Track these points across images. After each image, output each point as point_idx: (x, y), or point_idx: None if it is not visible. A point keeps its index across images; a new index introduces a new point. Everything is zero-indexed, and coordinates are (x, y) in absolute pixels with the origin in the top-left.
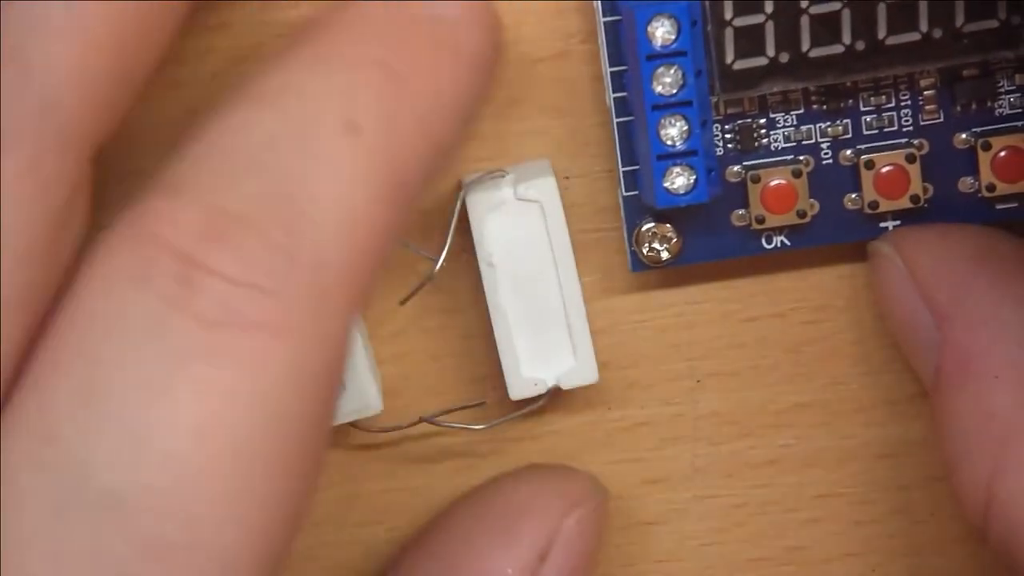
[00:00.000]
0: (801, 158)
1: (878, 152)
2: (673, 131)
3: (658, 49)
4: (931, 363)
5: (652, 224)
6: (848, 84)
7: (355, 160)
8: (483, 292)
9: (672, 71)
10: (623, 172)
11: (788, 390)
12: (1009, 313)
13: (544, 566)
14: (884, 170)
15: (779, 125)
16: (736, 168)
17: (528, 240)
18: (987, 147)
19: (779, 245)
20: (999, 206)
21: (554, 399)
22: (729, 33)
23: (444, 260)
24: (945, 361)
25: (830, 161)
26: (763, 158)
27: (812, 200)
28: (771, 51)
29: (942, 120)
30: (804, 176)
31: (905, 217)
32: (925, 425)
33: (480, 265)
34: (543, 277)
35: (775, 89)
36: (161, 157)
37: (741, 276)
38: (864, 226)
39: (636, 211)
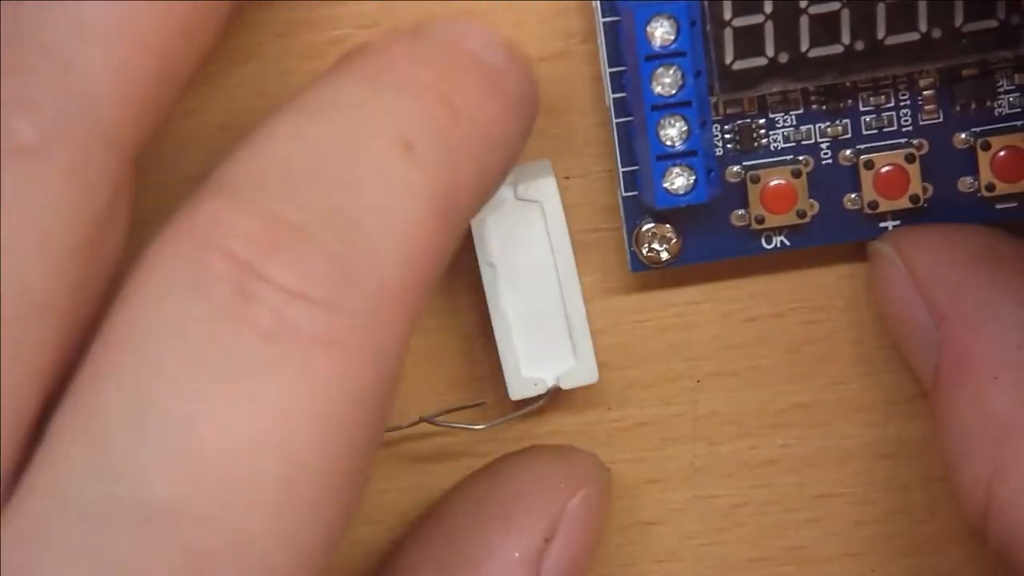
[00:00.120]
0: (801, 158)
1: (878, 152)
2: (672, 131)
3: (657, 49)
4: (930, 363)
5: (652, 224)
6: (847, 84)
7: (408, 175)
8: (483, 292)
9: (671, 71)
10: (623, 172)
11: (788, 390)
12: (1008, 313)
13: (550, 547)
14: (884, 170)
15: (779, 125)
16: (736, 168)
17: (528, 240)
18: (986, 147)
19: (779, 245)
20: (999, 206)
21: (554, 399)
22: (728, 33)
23: None
24: (944, 361)
25: (830, 161)
26: (763, 158)
27: (812, 200)
28: (770, 51)
29: (941, 120)
30: (804, 176)
31: (905, 217)
32: (925, 425)
33: (480, 265)
34: (543, 277)
35: (774, 89)
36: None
37: (741, 276)
38: (864, 226)
39: (636, 211)
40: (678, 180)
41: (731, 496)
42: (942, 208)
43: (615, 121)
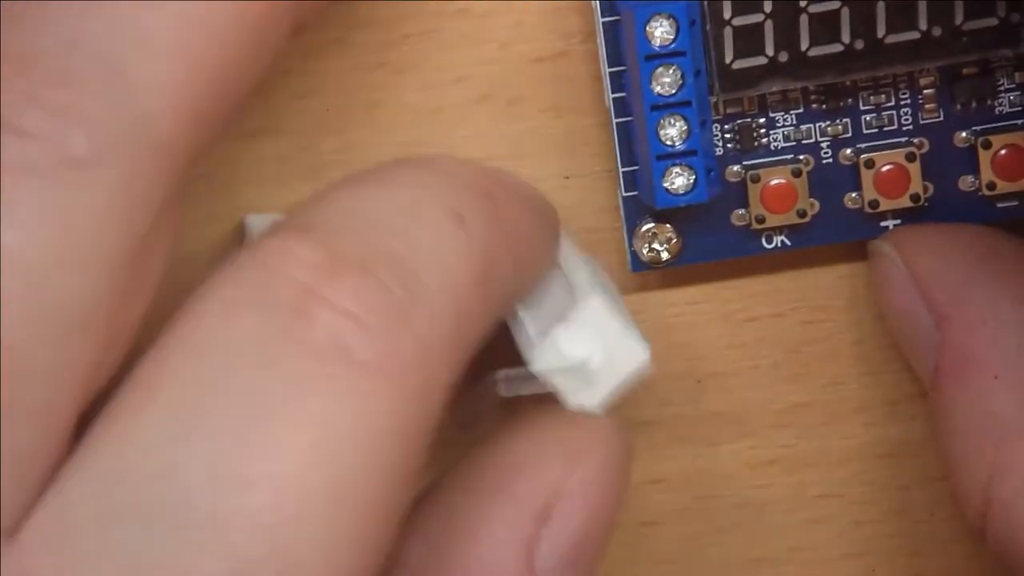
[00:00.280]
0: (801, 157)
1: (878, 151)
2: (672, 131)
3: (657, 49)
4: (931, 363)
5: (652, 224)
6: (848, 83)
7: (459, 240)
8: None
9: (671, 71)
10: (623, 172)
11: (788, 390)
12: (1009, 313)
13: (545, 530)
14: (884, 169)
15: (779, 124)
16: (736, 168)
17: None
18: (987, 145)
19: (779, 245)
20: (1000, 204)
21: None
22: (728, 33)
23: None
24: (944, 361)
25: (830, 160)
26: (763, 158)
27: (812, 200)
28: (770, 50)
29: (942, 119)
30: (804, 175)
31: (905, 216)
32: (925, 425)
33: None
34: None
35: (774, 88)
36: None
37: (741, 276)
38: (864, 225)
39: (636, 211)
40: (678, 180)
41: (731, 496)
42: (943, 207)
43: (615, 121)
